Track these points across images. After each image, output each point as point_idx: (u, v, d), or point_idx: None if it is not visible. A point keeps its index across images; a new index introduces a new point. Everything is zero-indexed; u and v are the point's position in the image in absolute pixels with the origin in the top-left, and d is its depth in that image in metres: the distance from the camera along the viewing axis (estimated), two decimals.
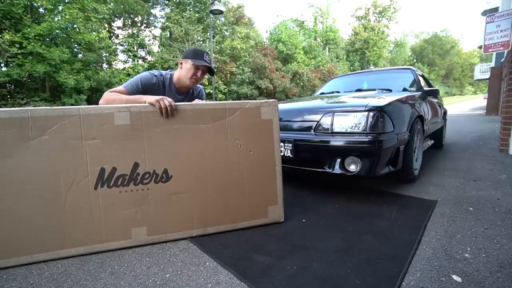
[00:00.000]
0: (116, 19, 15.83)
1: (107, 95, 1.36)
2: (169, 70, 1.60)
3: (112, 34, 15.54)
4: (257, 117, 1.36)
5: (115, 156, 1.16)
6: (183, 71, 1.51)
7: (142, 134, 1.19)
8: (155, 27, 18.09)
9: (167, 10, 17.84)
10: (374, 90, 2.58)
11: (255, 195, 1.38)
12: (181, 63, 1.53)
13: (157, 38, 17.97)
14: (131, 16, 16.29)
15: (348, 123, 1.69)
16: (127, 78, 12.32)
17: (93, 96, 12.21)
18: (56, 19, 10.21)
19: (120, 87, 1.40)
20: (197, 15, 17.70)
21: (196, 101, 1.47)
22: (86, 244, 1.17)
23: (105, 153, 1.16)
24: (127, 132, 1.17)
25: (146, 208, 1.22)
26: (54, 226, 1.13)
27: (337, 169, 1.70)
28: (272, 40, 22.04)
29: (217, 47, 17.82)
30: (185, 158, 1.26)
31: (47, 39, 10.19)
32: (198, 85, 1.72)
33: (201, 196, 1.29)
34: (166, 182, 1.24)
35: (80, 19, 10.50)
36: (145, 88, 1.44)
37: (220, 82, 17.38)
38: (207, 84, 15.68)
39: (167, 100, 1.19)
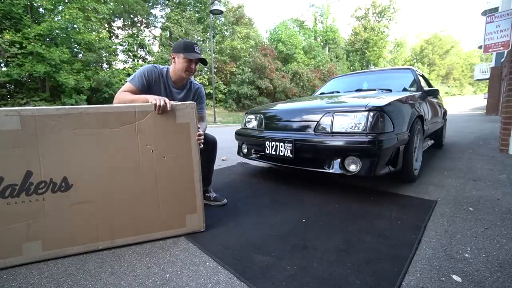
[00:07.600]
0: (116, 19, 15.84)
1: (120, 95, 1.40)
2: (164, 66, 1.61)
3: (112, 34, 15.55)
4: (171, 120, 1.27)
5: (2, 164, 1.06)
6: (177, 65, 1.53)
7: (36, 140, 1.08)
8: (155, 27, 18.11)
9: (167, 10, 17.87)
10: (374, 90, 2.58)
11: (171, 204, 1.29)
12: (173, 57, 1.55)
13: (157, 38, 17.99)
14: (131, 16, 16.30)
15: (348, 123, 1.69)
16: (127, 78, 12.32)
17: (93, 96, 12.23)
18: (56, 19, 10.23)
19: (129, 85, 1.43)
20: (197, 15, 17.74)
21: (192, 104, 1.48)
22: None
23: None
24: (18, 137, 1.06)
25: (41, 221, 1.11)
26: None
27: (337, 169, 1.70)
28: (272, 40, 22.05)
29: (217, 47, 17.84)
30: (88, 165, 1.16)
31: (47, 39, 10.21)
32: (197, 83, 1.73)
33: (108, 206, 1.20)
34: (66, 192, 1.13)
35: (80, 19, 10.52)
36: (150, 80, 1.49)
37: (220, 82, 17.39)
38: (207, 84, 15.69)
39: (163, 100, 1.23)
